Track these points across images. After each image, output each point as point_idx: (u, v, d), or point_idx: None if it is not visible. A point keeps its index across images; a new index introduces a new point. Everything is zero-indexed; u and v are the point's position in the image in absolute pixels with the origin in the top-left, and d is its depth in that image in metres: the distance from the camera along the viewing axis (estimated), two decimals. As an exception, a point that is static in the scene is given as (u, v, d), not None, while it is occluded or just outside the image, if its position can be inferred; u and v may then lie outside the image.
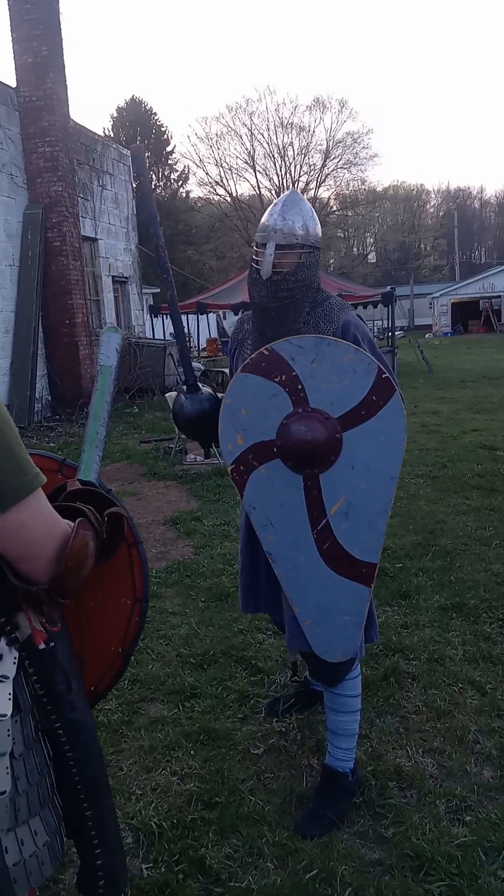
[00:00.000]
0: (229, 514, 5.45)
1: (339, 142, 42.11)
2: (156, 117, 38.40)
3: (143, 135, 36.22)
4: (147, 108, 38.23)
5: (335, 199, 45.46)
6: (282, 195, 2.15)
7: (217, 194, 42.96)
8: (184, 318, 8.40)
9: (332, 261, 47.63)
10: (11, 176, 11.56)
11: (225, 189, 42.73)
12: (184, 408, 2.25)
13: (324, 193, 43.12)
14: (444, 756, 2.42)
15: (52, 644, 1.18)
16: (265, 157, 42.23)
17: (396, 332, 18.55)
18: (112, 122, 37.47)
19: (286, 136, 41.81)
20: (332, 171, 43.10)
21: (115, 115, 37.83)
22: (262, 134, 41.60)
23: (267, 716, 2.70)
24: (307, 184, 41.44)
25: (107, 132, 34.30)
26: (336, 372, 1.88)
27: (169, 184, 39.67)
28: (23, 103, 11.69)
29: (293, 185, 39.43)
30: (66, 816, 1.22)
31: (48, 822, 1.15)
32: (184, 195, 41.07)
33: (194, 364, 3.66)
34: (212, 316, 19.74)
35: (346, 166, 42.93)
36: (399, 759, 2.40)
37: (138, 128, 36.83)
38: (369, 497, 1.91)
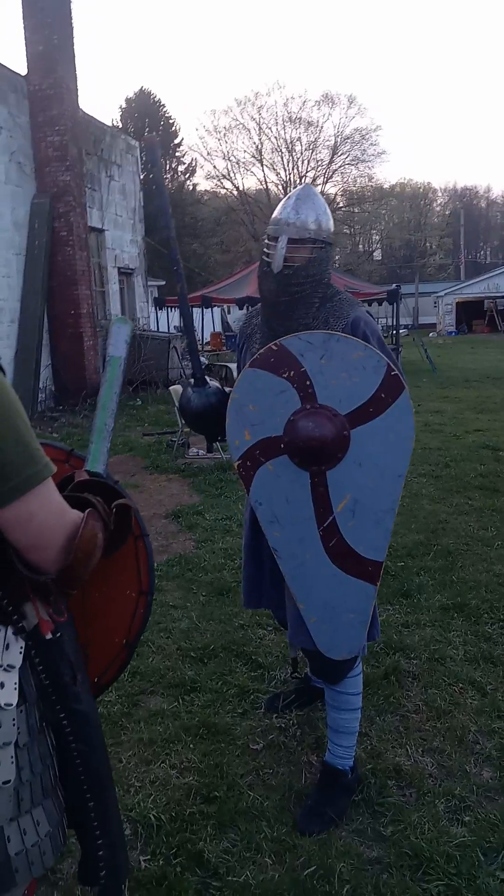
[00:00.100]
0: (231, 509, 5.45)
1: (347, 138, 42.14)
2: (164, 109, 38.38)
3: (152, 126, 36.17)
4: (156, 99, 38.21)
5: (342, 195, 45.39)
6: (295, 189, 2.14)
7: (224, 188, 42.95)
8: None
9: (337, 257, 47.50)
10: (20, 164, 11.52)
11: (232, 182, 42.71)
12: (191, 401, 2.22)
13: (331, 189, 43.11)
14: (443, 756, 2.42)
15: (59, 634, 1.18)
16: (273, 152, 42.26)
17: (400, 331, 18.52)
18: (121, 113, 37.51)
19: (294, 130, 41.85)
20: (340, 167, 43.15)
21: (124, 105, 37.84)
22: (270, 128, 41.61)
23: (267, 711, 2.70)
24: (314, 179, 41.31)
25: (115, 123, 34.24)
26: (345, 368, 1.87)
27: (176, 176, 39.64)
28: (32, 92, 11.65)
29: (300, 181, 39.31)
30: (69, 807, 1.22)
31: (51, 812, 1.14)
32: (190, 188, 41.01)
33: (198, 359, 3.63)
34: (216, 310, 19.64)
35: (353, 162, 42.99)
36: (399, 758, 2.40)
37: (146, 119, 36.84)
38: (376, 495, 1.90)
